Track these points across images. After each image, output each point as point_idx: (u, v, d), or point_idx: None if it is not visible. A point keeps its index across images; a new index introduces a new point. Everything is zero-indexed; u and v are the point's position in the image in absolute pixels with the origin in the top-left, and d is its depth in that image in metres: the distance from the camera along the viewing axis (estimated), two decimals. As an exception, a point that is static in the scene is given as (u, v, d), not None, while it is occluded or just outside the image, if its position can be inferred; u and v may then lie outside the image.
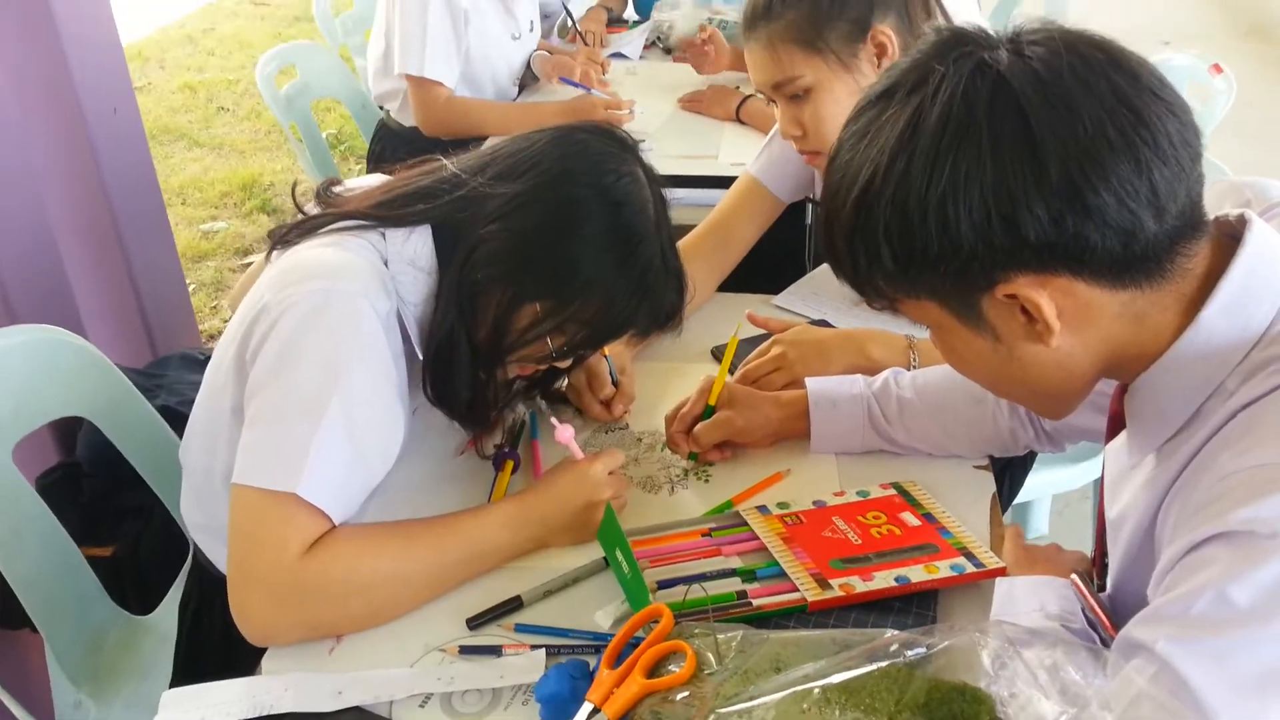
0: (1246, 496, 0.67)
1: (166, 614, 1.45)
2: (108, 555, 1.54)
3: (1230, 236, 0.76)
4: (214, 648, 1.24)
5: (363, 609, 0.97)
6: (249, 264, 3.55)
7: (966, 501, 1.13)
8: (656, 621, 0.89)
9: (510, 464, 1.18)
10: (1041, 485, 2.11)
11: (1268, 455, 0.68)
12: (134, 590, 1.53)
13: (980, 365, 0.81)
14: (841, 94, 1.30)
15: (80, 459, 1.58)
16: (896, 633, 0.80)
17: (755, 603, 0.97)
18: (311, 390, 0.96)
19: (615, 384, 1.28)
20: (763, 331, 1.37)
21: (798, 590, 0.98)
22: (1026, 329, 0.75)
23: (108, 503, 1.56)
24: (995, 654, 0.74)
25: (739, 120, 2.23)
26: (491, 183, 1.04)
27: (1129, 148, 0.68)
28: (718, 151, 2.11)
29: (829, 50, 1.29)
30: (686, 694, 0.82)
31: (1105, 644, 0.84)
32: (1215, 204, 0.78)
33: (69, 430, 1.57)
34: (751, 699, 0.76)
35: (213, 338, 3.11)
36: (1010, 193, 0.69)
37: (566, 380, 1.29)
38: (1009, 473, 1.58)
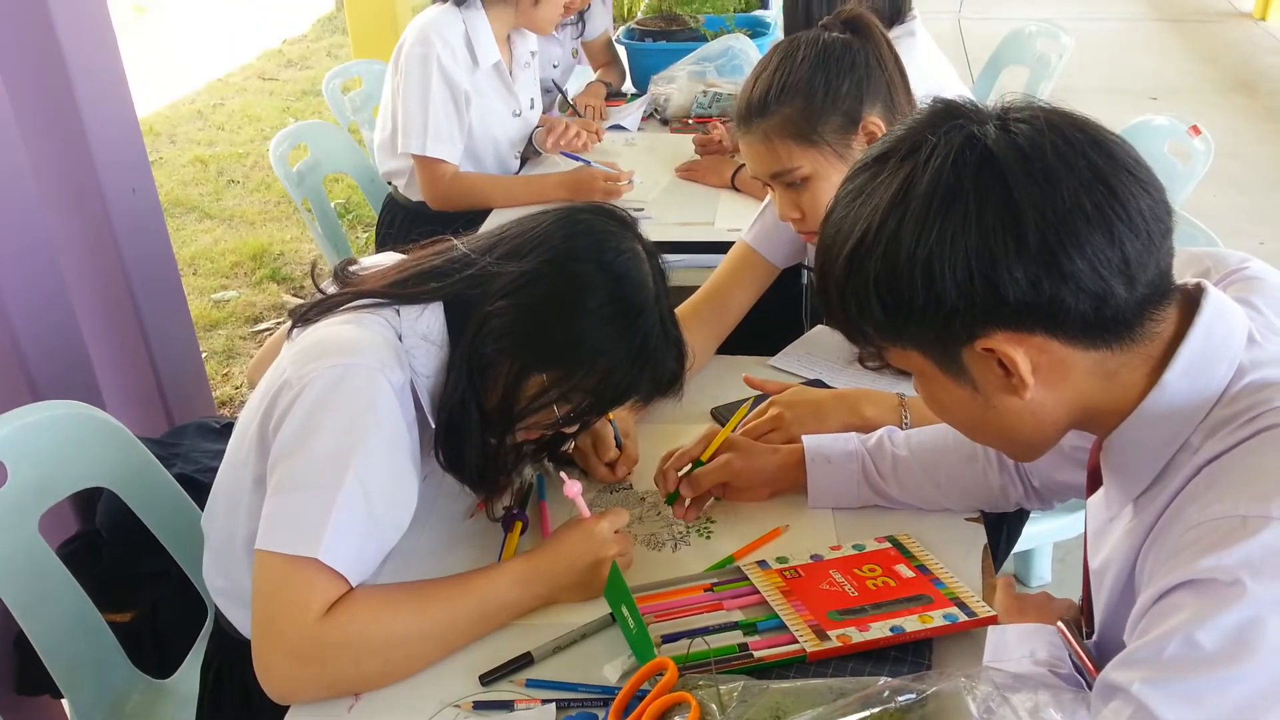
0: (1209, 547, 0.71)
1: (187, 676, 1.48)
2: (127, 620, 1.58)
3: (1192, 303, 0.81)
4: (235, 709, 1.27)
5: (380, 666, 1.01)
6: (260, 330, 3.63)
7: (959, 553, 1.18)
8: (662, 674, 0.94)
9: (519, 525, 1.23)
10: (1043, 534, 2.15)
11: (1228, 508, 0.73)
12: (153, 654, 1.57)
13: (959, 411, 0.87)
14: (838, 180, 1.35)
15: (100, 527, 1.63)
16: (889, 680, 0.84)
17: (756, 654, 1.01)
18: (331, 460, 1.01)
19: (620, 447, 1.33)
20: (760, 393, 1.43)
21: (797, 641, 1.02)
22: (1003, 381, 0.81)
23: (127, 569, 1.61)
24: (983, 699, 0.78)
25: (734, 188, 2.31)
26: (500, 261, 1.11)
27: (1103, 220, 0.74)
28: (713, 218, 2.19)
29: (824, 143, 1.36)
30: (691, 743, 0.86)
31: (1090, 688, 0.88)
32: (1178, 273, 0.83)
33: (88, 499, 1.62)
34: (752, 746, 0.80)
35: (224, 405, 3.17)
36: (992, 255, 0.75)
37: (573, 444, 1.34)
38: (1006, 523, 1.62)
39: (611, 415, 1.32)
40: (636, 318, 1.09)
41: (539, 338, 1.08)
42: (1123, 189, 0.75)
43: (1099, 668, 0.90)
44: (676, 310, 1.55)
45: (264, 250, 4.20)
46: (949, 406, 0.88)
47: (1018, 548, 2.13)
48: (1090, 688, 0.89)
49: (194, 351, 2.35)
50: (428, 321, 1.12)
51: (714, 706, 0.88)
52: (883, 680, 0.85)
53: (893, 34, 1.86)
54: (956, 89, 2.12)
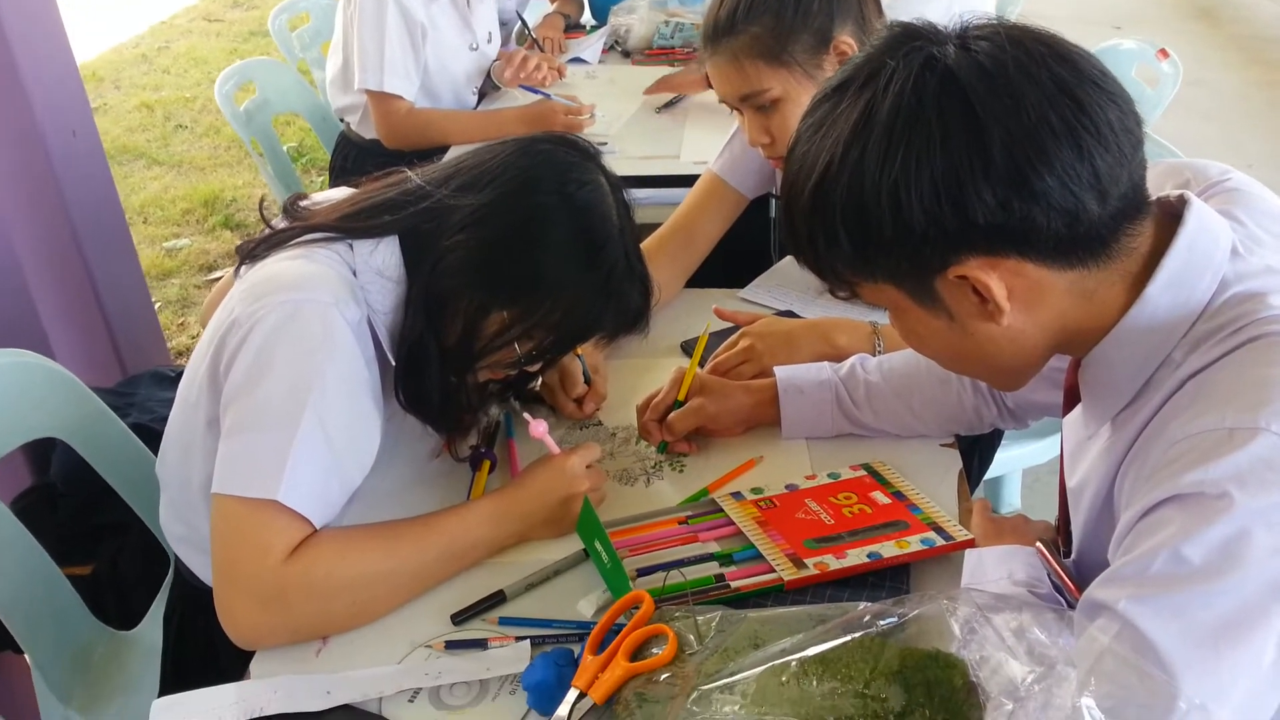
0: (1195, 460, 0.70)
1: (150, 628, 1.45)
2: (88, 574, 1.54)
3: (1171, 216, 0.79)
4: (199, 658, 1.24)
5: (347, 609, 0.98)
6: (215, 279, 3.53)
7: (935, 479, 1.17)
8: (637, 607, 0.92)
9: (487, 464, 1.20)
10: (1012, 460, 2.16)
11: (1213, 421, 0.71)
12: (116, 606, 1.53)
13: (936, 343, 0.85)
14: (808, 102, 1.33)
15: (55, 479, 1.58)
16: (870, 604, 0.83)
17: (733, 584, 0.99)
18: (286, 399, 0.97)
19: (588, 382, 1.30)
20: (731, 325, 1.40)
21: (774, 571, 1.00)
22: (979, 308, 0.78)
23: (85, 522, 1.56)
24: (965, 620, 0.77)
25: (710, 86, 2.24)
26: (456, 194, 1.06)
27: (1071, 134, 0.72)
28: (679, 151, 2.14)
29: (794, 63, 1.31)
30: (669, 674, 0.84)
31: (1071, 606, 0.87)
32: (1156, 185, 0.81)
33: (43, 452, 1.57)
34: (732, 675, 0.78)
35: (181, 354, 3.09)
36: (959, 178, 0.72)
37: (540, 381, 1.31)
38: (978, 449, 1.62)
39: (579, 351, 1.29)
40: (599, 251, 1.05)
41: (498, 273, 1.04)
42: (1090, 101, 0.73)
43: (1078, 586, 0.90)
44: (643, 244, 1.52)
45: (215, 196, 4.08)
46: (926, 339, 0.85)
47: (987, 474, 2.14)
48: (1071, 606, 0.88)
49: (145, 299, 2.28)
50: (382, 256, 1.07)
51: (691, 637, 0.87)
52: (863, 605, 0.84)
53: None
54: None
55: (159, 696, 1.30)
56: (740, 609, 0.93)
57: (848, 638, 0.78)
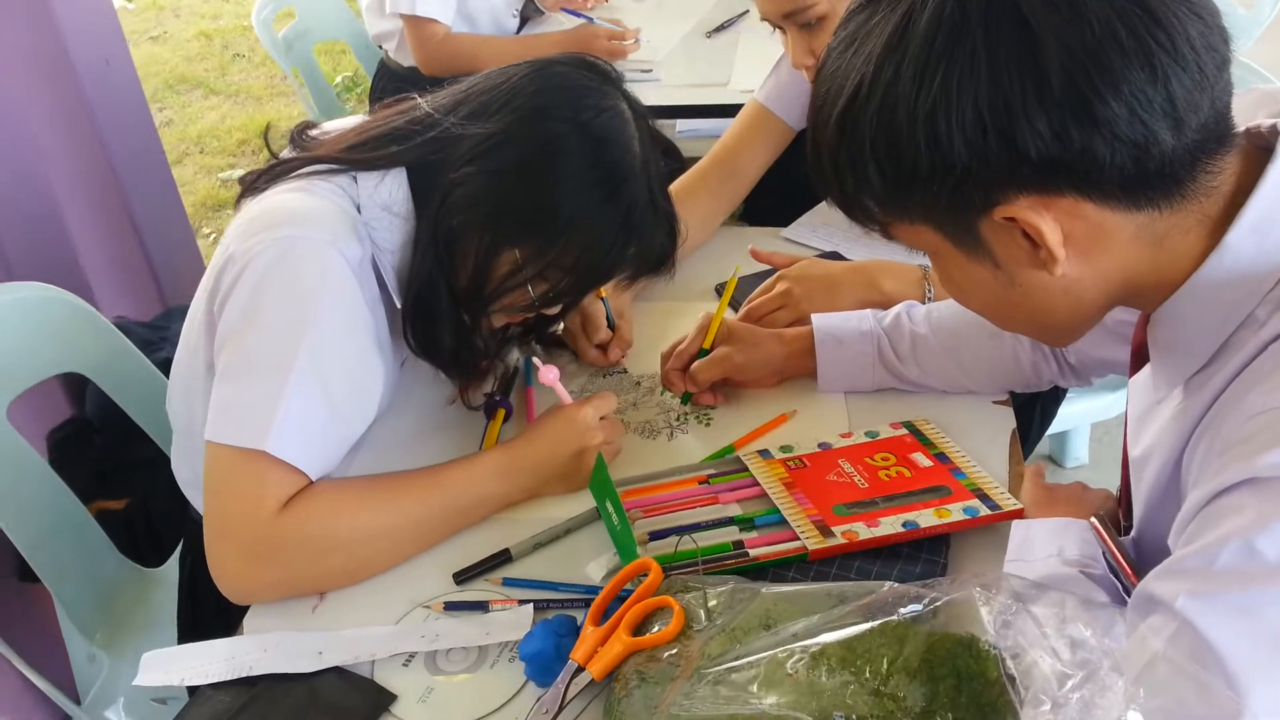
0: (1276, 439, 0.60)
1: (174, 567, 1.44)
2: (121, 508, 1.54)
3: (1263, 150, 0.68)
4: (212, 601, 1.21)
5: (344, 565, 0.93)
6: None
7: (984, 439, 1.07)
8: (645, 575, 0.85)
9: (502, 412, 1.14)
10: (1080, 414, 2.03)
11: None
12: (148, 543, 1.52)
13: (981, 295, 0.75)
14: None
15: (90, 414, 1.57)
16: (894, 585, 0.75)
17: (752, 553, 0.92)
18: (278, 343, 0.91)
19: (612, 327, 1.22)
20: (768, 267, 1.30)
21: (799, 538, 0.92)
22: (1029, 255, 0.68)
23: (119, 456, 1.55)
24: (1000, 611, 0.68)
25: None
26: (464, 121, 0.98)
27: (1143, 52, 0.60)
28: (728, 79, 2.01)
29: None
30: (674, 651, 0.77)
31: (1128, 592, 0.79)
32: (1247, 113, 0.70)
33: (79, 386, 1.56)
34: (737, 659, 0.71)
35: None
36: (1008, 104, 0.62)
37: (561, 325, 1.23)
38: (1040, 403, 1.51)
39: (604, 293, 1.21)
40: (619, 185, 0.97)
41: (509, 209, 0.96)
42: (1166, 13, 0.61)
43: (1136, 571, 0.80)
44: (680, 178, 1.42)
45: (271, 127, 4.05)
46: (968, 289, 0.75)
47: (1052, 429, 2.03)
48: (1126, 591, 0.79)
49: (185, 231, 2.25)
50: (389, 190, 1.00)
51: (701, 612, 0.80)
52: (888, 585, 0.76)
53: None
54: None
55: (178, 637, 1.31)
56: (758, 580, 0.87)
57: (868, 625, 0.70)
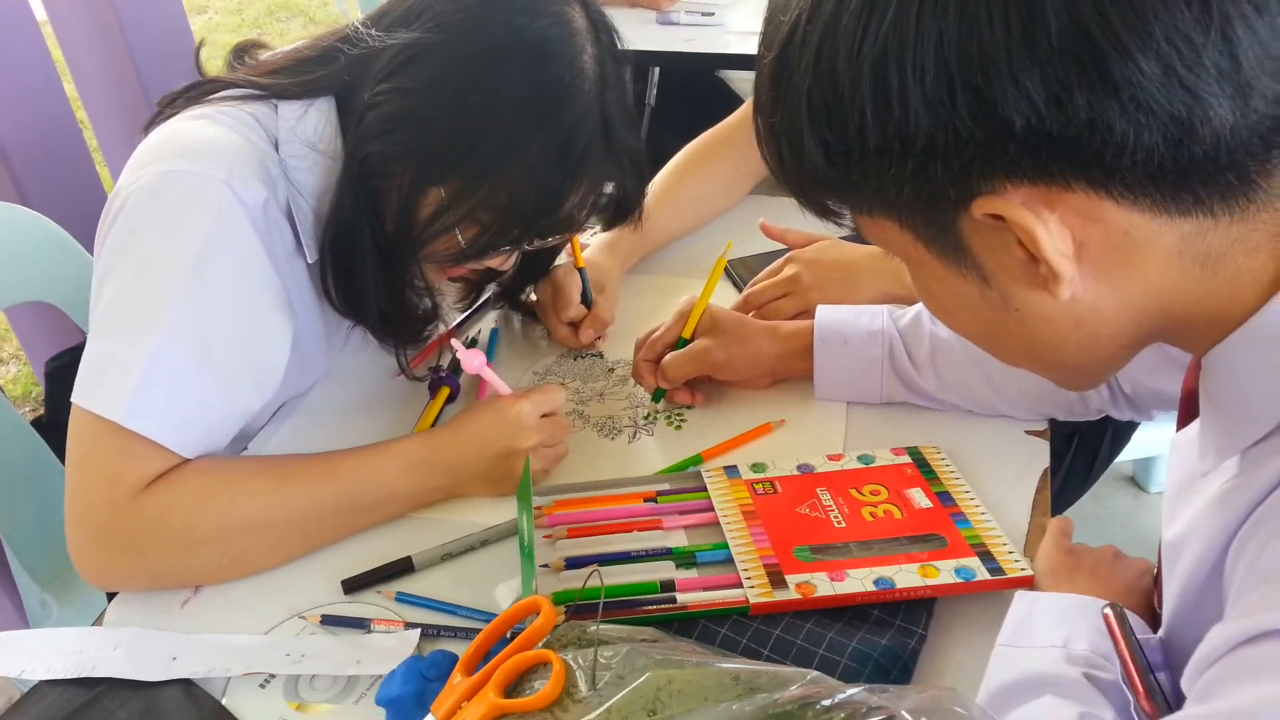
0: None
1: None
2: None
3: None
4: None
5: (215, 560, 0.81)
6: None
7: (1007, 478, 0.88)
8: (535, 616, 0.69)
9: (446, 391, 0.99)
10: (1167, 440, 1.78)
11: None
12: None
13: (966, 317, 0.56)
14: None
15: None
16: (817, 678, 0.58)
17: (681, 598, 0.75)
18: (149, 295, 0.78)
19: (588, 302, 1.05)
20: (780, 246, 1.11)
21: (741, 585, 0.75)
22: (1025, 270, 0.49)
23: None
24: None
25: None
26: (384, 34, 0.82)
27: None
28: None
29: None
30: (544, 724, 0.62)
31: (1139, 713, 0.60)
32: None
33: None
34: (600, 756, 0.55)
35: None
36: (984, 51, 0.43)
37: (533, 293, 1.08)
38: (1112, 424, 1.28)
39: (581, 261, 1.04)
40: (559, 107, 0.80)
41: (428, 135, 0.81)
42: None
43: (1155, 687, 0.61)
44: (705, 134, 1.24)
45: (205, 42, 4.00)
46: (951, 309, 0.57)
47: (1140, 453, 1.78)
48: (1138, 713, 0.61)
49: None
50: (313, 122, 0.86)
51: (584, 677, 0.64)
52: (811, 676, 0.58)
53: None
54: None
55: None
56: (684, 633, 0.71)
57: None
